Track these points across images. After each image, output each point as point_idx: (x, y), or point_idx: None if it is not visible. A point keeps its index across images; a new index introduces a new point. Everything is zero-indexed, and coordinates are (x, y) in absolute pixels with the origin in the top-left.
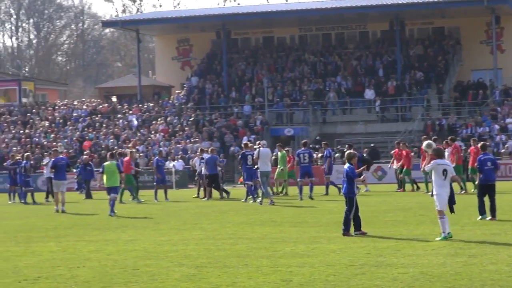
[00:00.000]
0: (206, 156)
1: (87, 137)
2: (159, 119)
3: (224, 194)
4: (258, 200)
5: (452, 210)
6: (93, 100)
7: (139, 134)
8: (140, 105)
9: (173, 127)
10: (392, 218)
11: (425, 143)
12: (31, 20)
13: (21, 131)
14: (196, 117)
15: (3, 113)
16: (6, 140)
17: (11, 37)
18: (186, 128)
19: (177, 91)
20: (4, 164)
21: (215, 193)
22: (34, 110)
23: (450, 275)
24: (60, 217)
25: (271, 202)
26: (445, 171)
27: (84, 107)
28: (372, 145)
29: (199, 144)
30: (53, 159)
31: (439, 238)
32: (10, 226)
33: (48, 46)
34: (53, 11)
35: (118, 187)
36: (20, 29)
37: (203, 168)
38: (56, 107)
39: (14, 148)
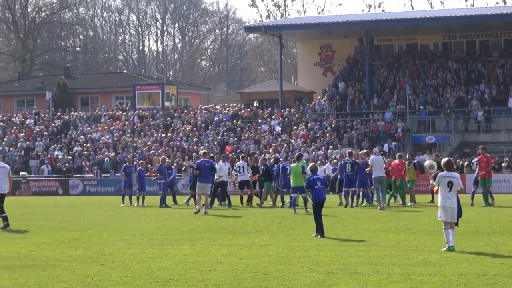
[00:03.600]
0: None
1: (228, 141)
2: (300, 124)
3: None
4: (379, 207)
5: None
6: (234, 104)
7: (279, 139)
8: (282, 110)
9: (314, 133)
10: None
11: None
12: (176, 25)
13: (163, 135)
14: (337, 123)
15: (146, 117)
16: (148, 143)
17: (156, 41)
18: (327, 134)
19: (318, 97)
20: (123, 165)
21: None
22: (176, 114)
23: None
24: (196, 220)
25: (380, 208)
26: (450, 183)
27: (226, 111)
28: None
29: (339, 151)
30: (197, 161)
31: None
32: (146, 228)
33: (193, 50)
34: (198, 16)
35: (301, 187)
36: (165, 34)
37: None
38: (198, 111)
39: (152, 152)
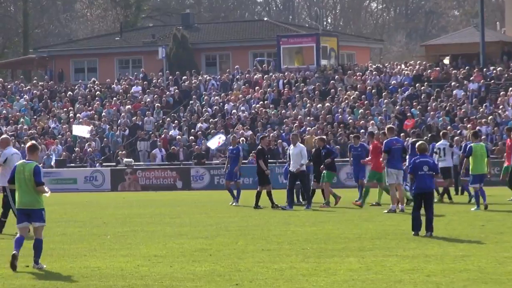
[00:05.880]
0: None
1: (409, 114)
2: (510, 88)
3: None
4: None
5: None
6: (418, 62)
7: (481, 109)
8: (484, 69)
9: None
10: None
11: None
12: None
13: (319, 105)
14: None
15: (296, 81)
16: (299, 116)
17: None
18: None
19: None
20: (229, 147)
21: None
22: (337, 76)
23: None
24: (366, 222)
25: None
26: None
27: (406, 71)
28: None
29: None
30: (386, 141)
31: None
32: (298, 234)
33: None
34: None
35: (484, 175)
36: None
37: None
38: (368, 72)
39: (309, 129)
